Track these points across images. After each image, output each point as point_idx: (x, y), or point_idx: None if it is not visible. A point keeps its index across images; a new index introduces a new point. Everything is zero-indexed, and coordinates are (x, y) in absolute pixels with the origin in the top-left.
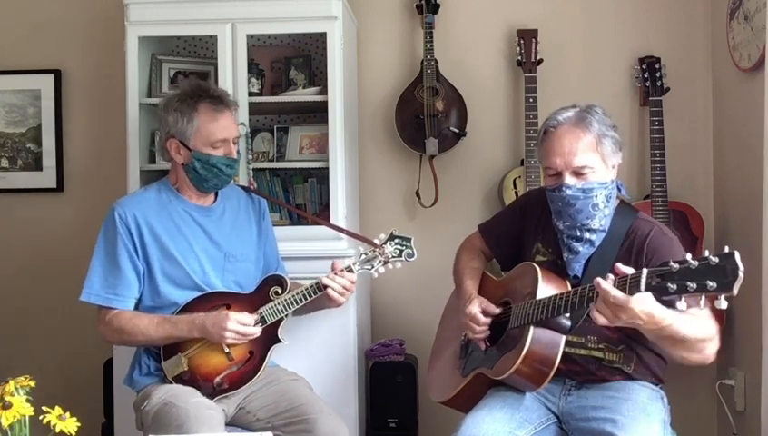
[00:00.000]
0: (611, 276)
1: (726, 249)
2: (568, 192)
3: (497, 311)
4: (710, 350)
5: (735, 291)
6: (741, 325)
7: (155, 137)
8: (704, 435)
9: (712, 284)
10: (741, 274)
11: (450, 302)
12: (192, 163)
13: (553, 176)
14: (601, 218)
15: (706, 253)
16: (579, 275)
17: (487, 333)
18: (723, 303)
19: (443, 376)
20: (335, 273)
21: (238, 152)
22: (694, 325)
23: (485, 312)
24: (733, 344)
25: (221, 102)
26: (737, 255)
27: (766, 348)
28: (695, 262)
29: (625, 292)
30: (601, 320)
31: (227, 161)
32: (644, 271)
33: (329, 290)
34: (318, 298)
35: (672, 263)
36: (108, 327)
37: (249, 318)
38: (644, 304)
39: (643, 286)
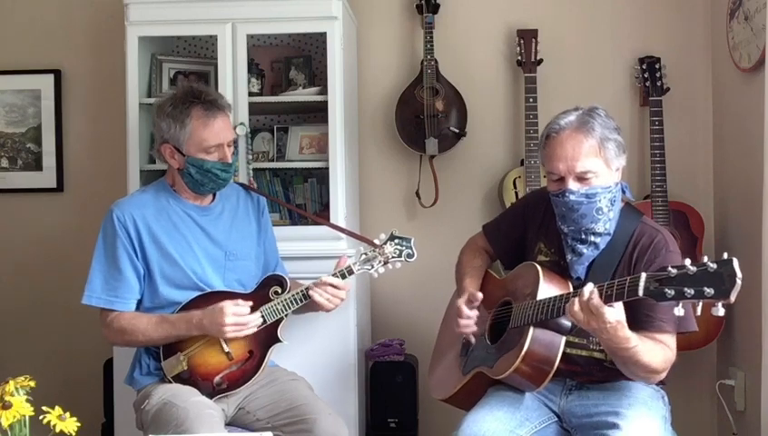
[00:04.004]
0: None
1: (725, 255)
2: (572, 197)
3: (480, 296)
4: (658, 378)
5: (733, 298)
6: (741, 325)
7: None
8: (703, 435)
9: (709, 291)
10: (739, 281)
11: (453, 301)
12: (187, 169)
13: (556, 181)
14: (605, 222)
15: (705, 259)
16: (582, 277)
17: (473, 329)
18: (720, 311)
19: (444, 374)
20: (334, 274)
21: (235, 153)
22: (653, 354)
23: (470, 301)
24: (733, 344)
25: (213, 106)
26: (735, 262)
27: (766, 348)
28: (693, 268)
29: (623, 295)
30: (576, 315)
31: (222, 166)
32: (643, 275)
33: (314, 296)
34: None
35: (670, 269)
36: (110, 329)
37: (244, 306)
38: (614, 318)
39: (641, 290)
